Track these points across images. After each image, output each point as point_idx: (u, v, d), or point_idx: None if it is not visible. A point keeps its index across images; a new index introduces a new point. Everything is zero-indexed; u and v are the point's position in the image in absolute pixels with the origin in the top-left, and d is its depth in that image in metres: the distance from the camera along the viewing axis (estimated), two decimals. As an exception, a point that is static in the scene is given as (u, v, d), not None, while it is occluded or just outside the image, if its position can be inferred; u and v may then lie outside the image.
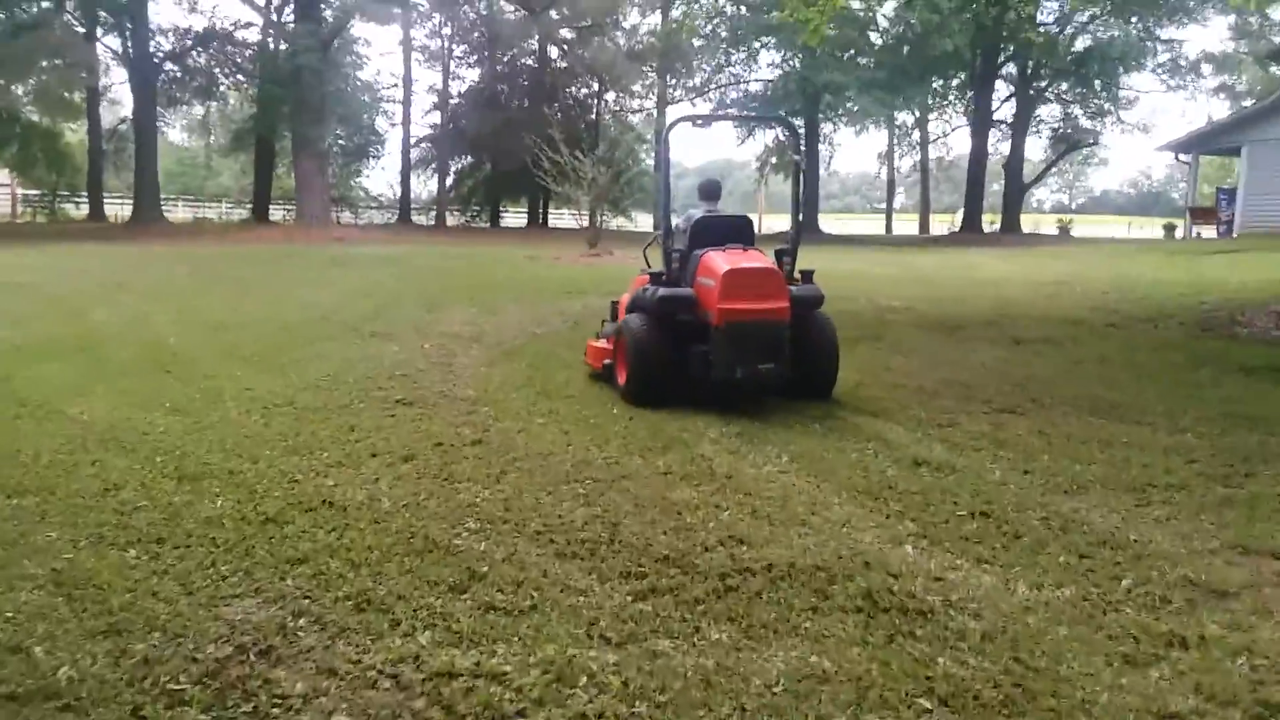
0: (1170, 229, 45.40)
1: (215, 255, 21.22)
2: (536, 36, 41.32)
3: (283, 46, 33.60)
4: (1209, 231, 29.54)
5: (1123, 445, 5.66)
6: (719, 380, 6.51)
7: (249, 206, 40.89)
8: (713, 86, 42.22)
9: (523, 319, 11.08)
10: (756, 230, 7.68)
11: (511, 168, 36.84)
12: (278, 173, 42.69)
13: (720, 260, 6.61)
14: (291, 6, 34.88)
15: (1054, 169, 47.99)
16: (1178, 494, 4.73)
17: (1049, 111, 42.56)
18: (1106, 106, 39.40)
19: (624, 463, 5.20)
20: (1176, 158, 31.73)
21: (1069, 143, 42.89)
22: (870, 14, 25.17)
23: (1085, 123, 41.69)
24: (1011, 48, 36.54)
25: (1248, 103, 37.73)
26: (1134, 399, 6.98)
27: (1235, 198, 31.55)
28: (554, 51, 43.33)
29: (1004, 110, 41.10)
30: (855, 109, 31.42)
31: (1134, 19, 34.16)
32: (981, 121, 39.13)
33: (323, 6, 32.81)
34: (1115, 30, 34.84)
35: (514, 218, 49.26)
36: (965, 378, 7.81)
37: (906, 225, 58.66)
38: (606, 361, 7.38)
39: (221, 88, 38.48)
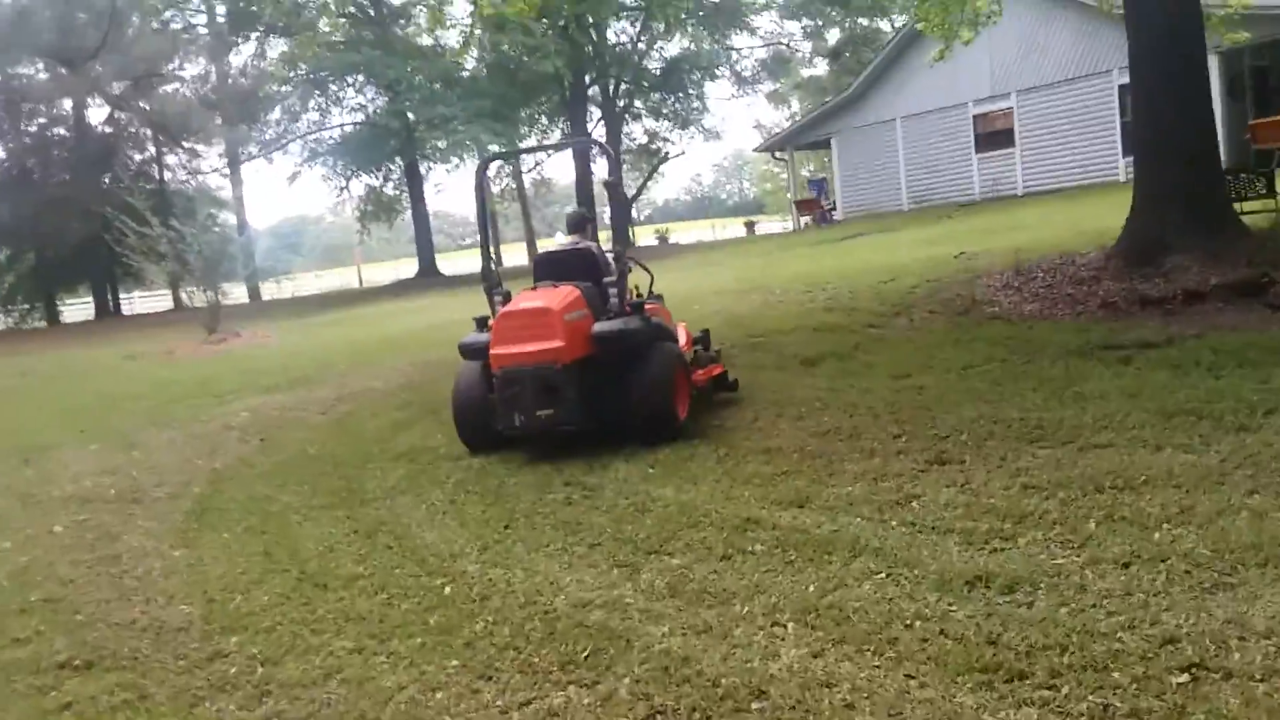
0: (750, 225, 49.13)
1: None
2: (70, 98, 35.12)
3: None
4: (815, 218, 31.54)
5: (1140, 484, 4.36)
6: (504, 429, 6.21)
7: None
8: (291, 136, 38.49)
9: (181, 449, 8.04)
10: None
11: (64, 253, 30.91)
12: None
13: (515, 301, 6.46)
14: None
15: (649, 183, 49.66)
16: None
17: (636, 127, 43.88)
18: (693, 115, 41.19)
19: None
20: (774, 155, 33.73)
21: (659, 156, 44.47)
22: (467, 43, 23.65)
23: (671, 135, 43.44)
24: (598, 67, 36.96)
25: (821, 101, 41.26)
26: (1034, 412, 5.84)
27: (823, 187, 34.20)
28: (100, 114, 37.28)
29: (598, 130, 41.67)
30: (465, 142, 29.79)
31: (713, 30, 35.84)
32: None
33: None
34: (701, 42, 36.39)
35: (77, 310, 41.91)
36: (828, 420, 6.30)
37: (518, 256, 58.28)
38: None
39: None
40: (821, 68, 47.82)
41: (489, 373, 6.35)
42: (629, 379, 6.21)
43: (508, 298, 6.78)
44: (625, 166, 43.77)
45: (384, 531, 5.13)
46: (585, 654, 3.35)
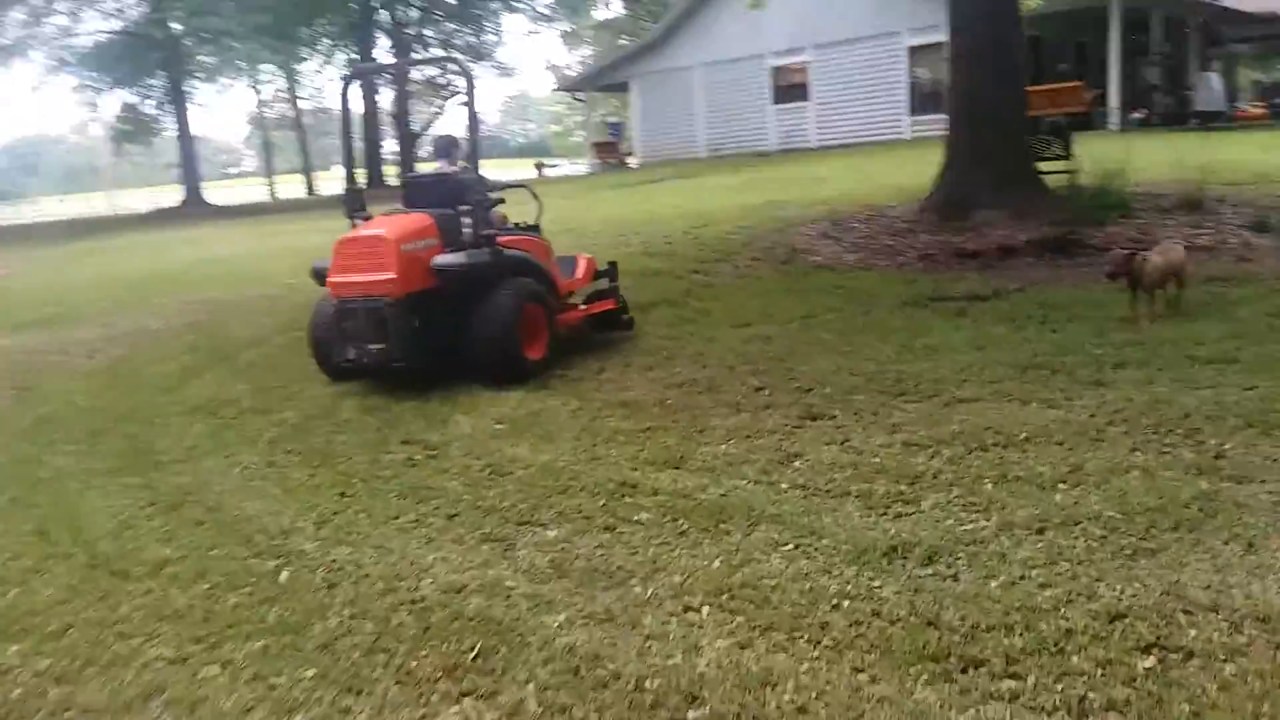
0: (540, 167, 48.28)
1: None
2: None
3: None
4: (612, 162, 31.19)
5: (1022, 441, 4.26)
6: (341, 363, 5.94)
7: None
8: (34, 41, 34.02)
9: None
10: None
11: None
12: None
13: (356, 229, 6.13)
14: None
15: (439, 118, 47.62)
16: None
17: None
18: (485, 49, 39.69)
19: None
20: (573, 96, 32.96)
21: (449, 91, 42.70)
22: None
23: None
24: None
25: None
26: (890, 364, 5.72)
27: (620, 130, 33.88)
28: None
29: (385, 59, 39.38)
30: (238, 61, 27.20)
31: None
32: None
33: None
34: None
35: None
36: (681, 372, 5.94)
37: (293, 188, 54.63)
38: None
39: None
40: (617, 8, 47.36)
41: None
42: (472, 316, 5.81)
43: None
44: (411, 99, 41.83)
45: (191, 502, 4.35)
46: (472, 654, 2.84)
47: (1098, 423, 4.39)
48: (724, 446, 4.58)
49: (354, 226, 6.22)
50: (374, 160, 38.00)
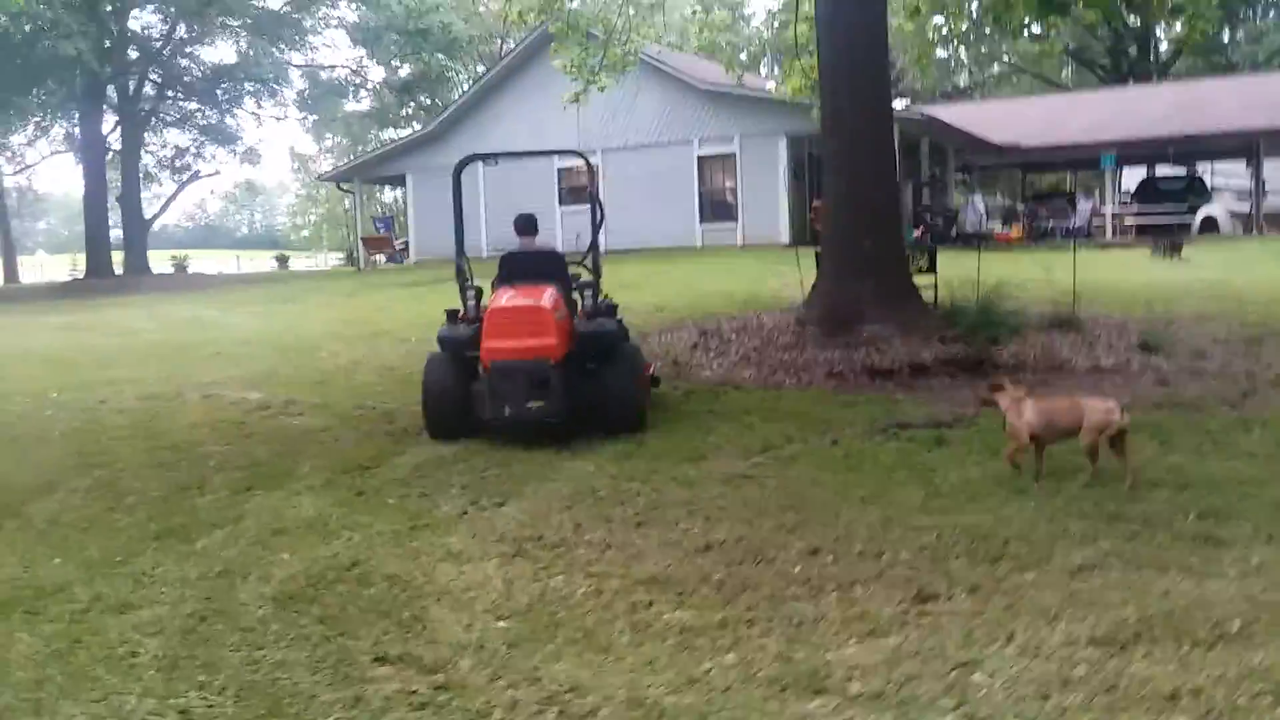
0: (283, 260, 45.21)
1: None
2: None
3: None
4: (382, 258, 29.28)
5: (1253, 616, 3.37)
6: (490, 421, 6.50)
7: None
8: None
9: None
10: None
11: None
12: None
13: (499, 298, 6.73)
14: None
15: (174, 201, 43.56)
16: None
17: (161, 139, 38.24)
18: (228, 134, 36.73)
19: None
20: (339, 186, 30.83)
21: (190, 173, 39.17)
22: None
23: (205, 152, 38.44)
24: (119, 59, 31.37)
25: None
26: (944, 515, 4.76)
27: (390, 224, 32.11)
28: None
29: (113, 135, 35.48)
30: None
31: (274, 41, 32.06)
32: (94, 146, 33.06)
33: None
34: (259, 52, 32.27)
35: None
36: (688, 527, 4.67)
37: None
38: None
39: None
40: (366, 103, 45.56)
41: (462, 364, 6.71)
42: (605, 375, 6.68)
43: (479, 294, 7.07)
44: (143, 179, 37.94)
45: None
46: None
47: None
48: (852, 649, 3.40)
49: (466, 297, 7.09)
50: (101, 246, 33.82)
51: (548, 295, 6.63)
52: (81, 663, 3.56)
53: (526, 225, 7.66)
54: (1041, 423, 5.11)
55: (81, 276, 34.13)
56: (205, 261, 50.39)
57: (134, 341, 13.55)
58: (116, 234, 36.48)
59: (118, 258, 35.57)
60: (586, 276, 7.42)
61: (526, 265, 7.14)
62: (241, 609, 3.98)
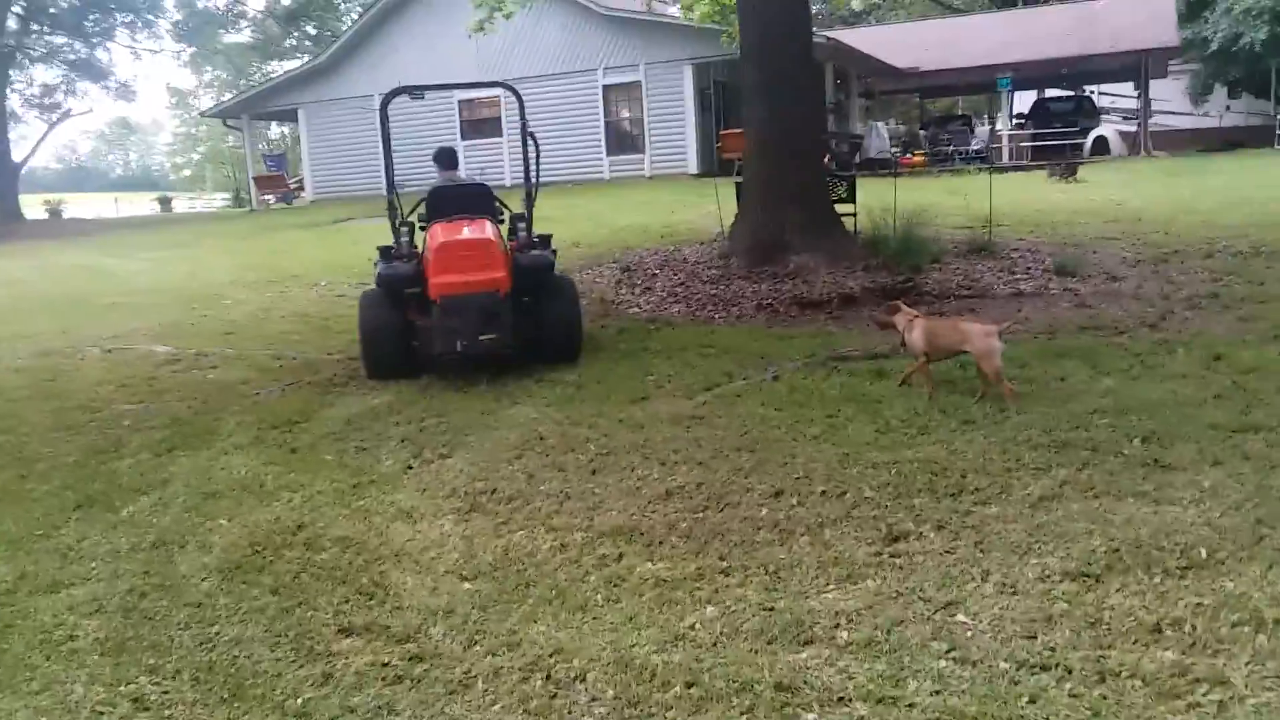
0: (165, 202, 43.12)
1: None
2: None
3: None
4: (273, 199, 28.03)
5: (1235, 546, 3.44)
6: (441, 354, 6.54)
7: None
8: None
9: None
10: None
11: None
12: None
13: (439, 233, 6.70)
14: None
15: (51, 143, 40.91)
16: None
17: (27, 76, 35.68)
18: (103, 67, 34.50)
19: None
20: (225, 123, 29.25)
21: (60, 111, 36.75)
22: None
23: (76, 88, 36.06)
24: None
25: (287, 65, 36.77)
26: (900, 450, 4.76)
27: (283, 163, 30.76)
28: None
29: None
30: None
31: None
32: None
33: None
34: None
35: None
36: (644, 473, 4.56)
37: None
38: None
39: None
40: (247, 34, 43.28)
41: (399, 300, 6.69)
42: (545, 306, 6.86)
43: (412, 230, 7.02)
44: (9, 120, 35.44)
45: None
46: None
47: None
48: (832, 595, 3.36)
49: (399, 233, 6.90)
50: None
51: (490, 229, 6.72)
52: (16, 650, 3.30)
53: (449, 159, 7.74)
54: (929, 342, 5.60)
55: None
56: (81, 205, 47.64)
57: (19, 293, 12.71)
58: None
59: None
60: (511, 211, 7.47)
61: (456, 199, 7.13)
62: (184, 582, 3.74)
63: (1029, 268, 9.40)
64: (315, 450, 5.32)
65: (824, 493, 4.27)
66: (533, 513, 4.25)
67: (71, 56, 33.33)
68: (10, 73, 34.13)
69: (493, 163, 24.91)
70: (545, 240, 7.22)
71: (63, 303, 11.52)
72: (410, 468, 4.95)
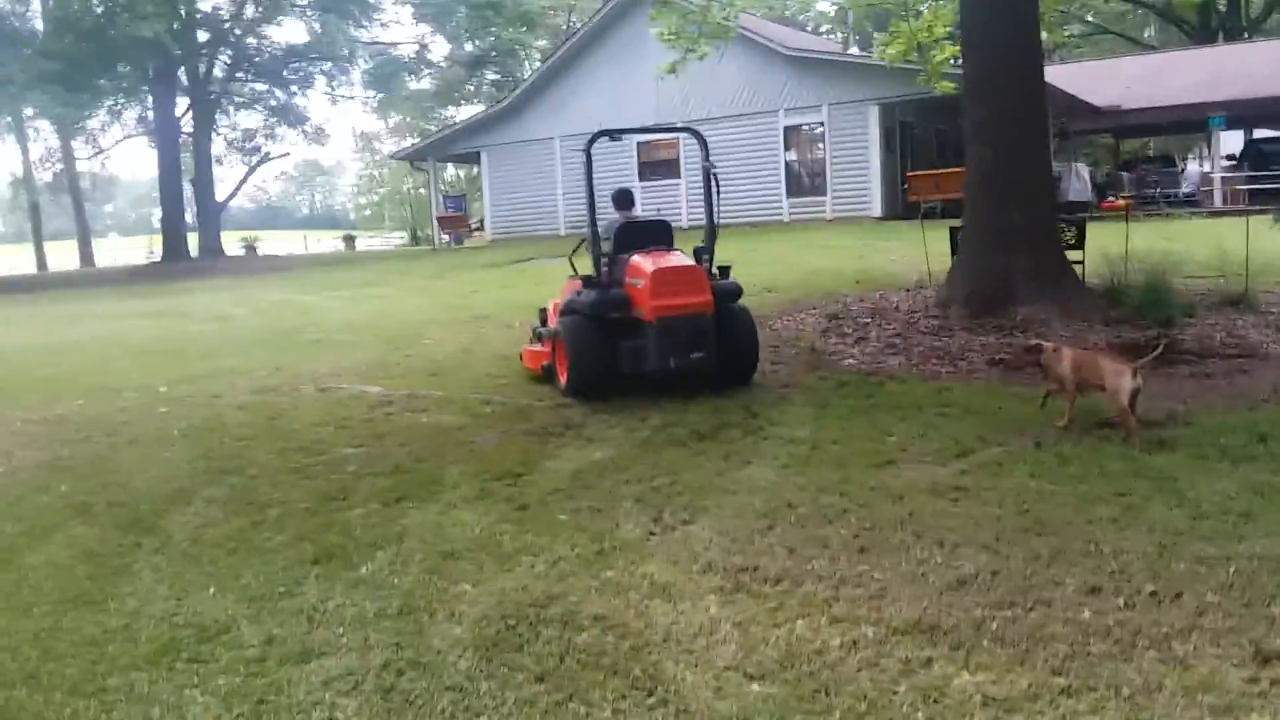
0: (349, 240, 45.11)
1: None
2: None
3: None
4: (454, 237, 28.86)
5: None
6: (654, 371, 7.10)
7: None
8: None
9: None
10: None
11: None
12: None
13: (647, 262, 7.17)
14: None
15: (247, 183, 43.70)
16: None
17: (231, 121, 38.21)
18: (300, 113, 36.58)
19: None
20: (413, 165, 30.45)
21: (260, 154, 39.17)
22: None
23: (275, 132, 38.35)
24: (189, 41, 31.19)
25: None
26: (1220, 540, 4.06)
27: (461, 204, 31.68)
28: None
29: (185, 117, 35.49)
30: (21, 111, 23.01)
31: (345, 18, 31.67)
32: (168, 128, 33.07)
33: None
34: (332, 30, 31.91)
35: None
36: (941, 561, 4.03)
37: (63, 257, 48.43)
38: (545, 363, 7.85)
39: None
40: (428, 81, 45.06)
41: (604, 324, 7.18)
42: (732, 329, 7.31)
43: (610, 261, 7.49)
44: (216, 163, 38.02)
45: None
46: None
47: None
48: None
49: (600, 264, 7.47)
50: (176, 229, 33.89)
51: (688, 258, 7.37)
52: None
53: (626, 200, 8.21)
54: (1076, 373, 5.76)
55: (158, 260, 34.30)
56: (273, 242, 50.74)
57: (231, 329, 13.19)
58: (187, 216, 36.60)
59: (191, 240, 35.68)
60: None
61: (641, 233, 7.61)
62: (439, 659, 3.43)
63: (1300, 325, 8.36)
64: (546, 508, 5.01)
65: (1154, 594, 3.62)
66: (807, 598, 3.76)
67: (272, 102, 35.46)
68: (216, 117, 36.65)
69: (669, 203, 24.84)
70: (724, 271, 7.67)
71: (270, 338, 11.85)
72: (653, 534, 4.56)
